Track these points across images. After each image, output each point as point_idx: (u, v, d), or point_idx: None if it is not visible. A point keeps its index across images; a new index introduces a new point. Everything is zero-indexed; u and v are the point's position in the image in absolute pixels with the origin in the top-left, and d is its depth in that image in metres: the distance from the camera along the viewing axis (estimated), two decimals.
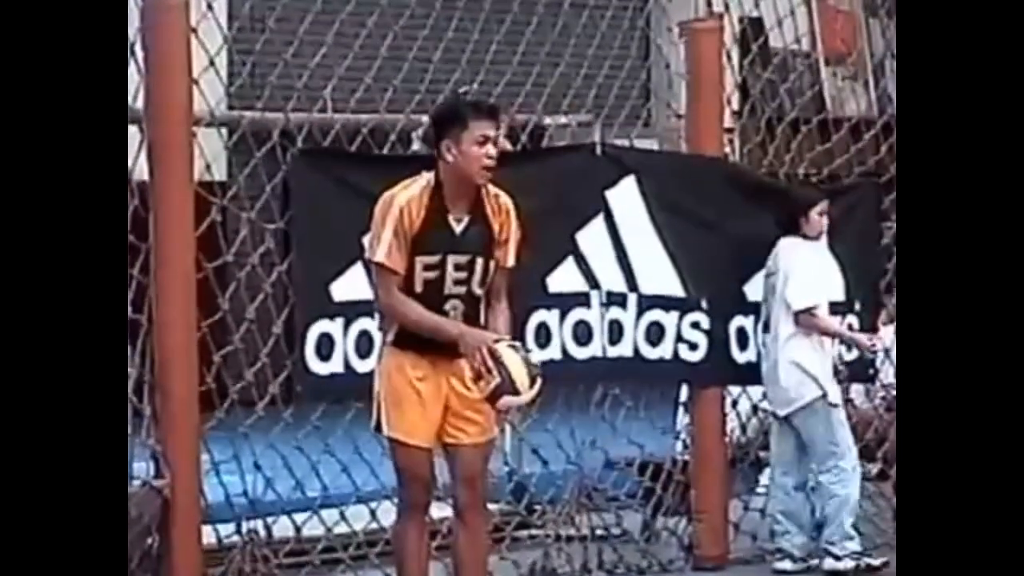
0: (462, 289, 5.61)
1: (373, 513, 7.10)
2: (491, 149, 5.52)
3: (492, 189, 5.67)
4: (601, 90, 7.87)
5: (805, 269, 7.44)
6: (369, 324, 6.53)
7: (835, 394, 7.45)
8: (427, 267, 5.56)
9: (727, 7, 8.07)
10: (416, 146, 7.44)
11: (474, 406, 5.61)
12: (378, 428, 5.71)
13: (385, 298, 5.63)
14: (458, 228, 5.59)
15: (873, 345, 7.53)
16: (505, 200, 5.68)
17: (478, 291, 5.63)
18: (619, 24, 8.09)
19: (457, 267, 5.59)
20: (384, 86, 7.10)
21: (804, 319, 7.39)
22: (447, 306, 5.57)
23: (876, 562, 7.45)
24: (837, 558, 7.41)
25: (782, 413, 7.48)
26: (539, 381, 5.49)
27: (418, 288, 5.57)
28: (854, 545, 7.43)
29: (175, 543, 6.39)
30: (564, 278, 7.28)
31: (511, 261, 5.71)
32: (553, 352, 7.19)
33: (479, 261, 5.60)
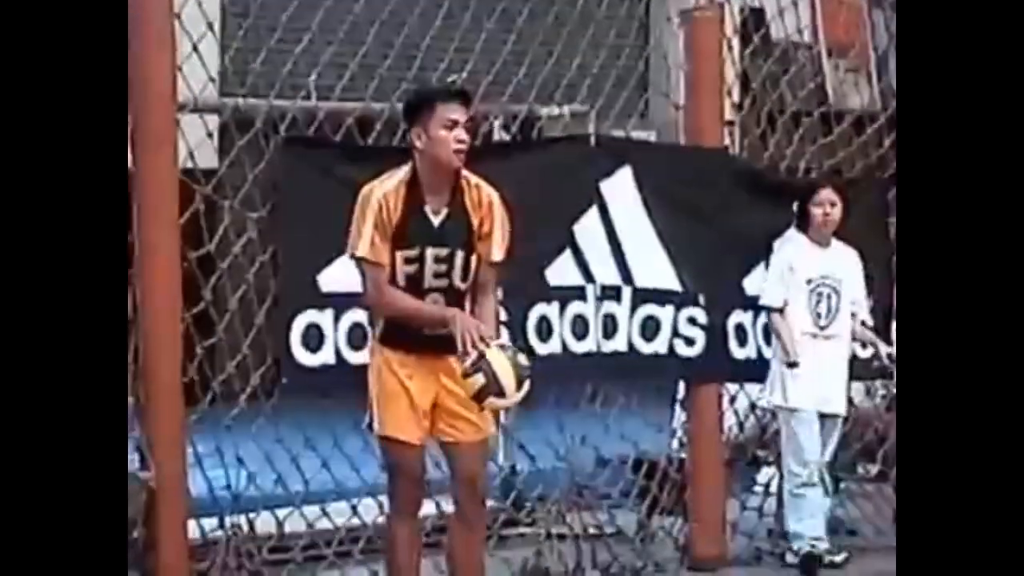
0: (443, 282, 5.56)
1: (355, 509, 7.05)
2: (461, 132, 5.46)
3: (473, 180, 5.59)
4: (597, 80, 7.82)
5: (772, 267, 7.52)
6: (362, 316, 6.44)
7: (791, 398, 7.41)
8: (407, 260, 5.52)
9: None
10: None
11: (466, 403, 5.55)
12: (371, 427, 5.69)
13: (373, 291, 5.60)
14: (436, 220, 5.55)
15: (792, 360, 7.41)
16: (488, 191, 5.60)
17: (460, 285, 5.58)
18: (616, 12, 8.03)
19: (437, 259, 5.54)
20: (370, 74, 7.05)
21: (769, 318, 7.51)
22: (427, 300, 5.52)
23: (838, 558, 7.48)
24: (796, 553, 7.48)
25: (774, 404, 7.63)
26: (527, 384, 5.43)
27: (400, 282, 5.54)
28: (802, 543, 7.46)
29: (162, 536, 6.35)
30: (562, 271, 7.22)
31: (497, 255, 5.62)
32: (554, 347, 7.14)
33: (459, 254, 5.54)
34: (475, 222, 5.56)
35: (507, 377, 5.36)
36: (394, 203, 5.50)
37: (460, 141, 5.46)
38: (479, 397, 5.40)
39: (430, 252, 5.53)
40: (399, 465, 5.63)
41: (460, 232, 5.55)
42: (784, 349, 7.42)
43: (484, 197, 5.57)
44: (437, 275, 5.55)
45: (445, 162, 5.48)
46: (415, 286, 5.53)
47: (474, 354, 5.34)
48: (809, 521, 7.45)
